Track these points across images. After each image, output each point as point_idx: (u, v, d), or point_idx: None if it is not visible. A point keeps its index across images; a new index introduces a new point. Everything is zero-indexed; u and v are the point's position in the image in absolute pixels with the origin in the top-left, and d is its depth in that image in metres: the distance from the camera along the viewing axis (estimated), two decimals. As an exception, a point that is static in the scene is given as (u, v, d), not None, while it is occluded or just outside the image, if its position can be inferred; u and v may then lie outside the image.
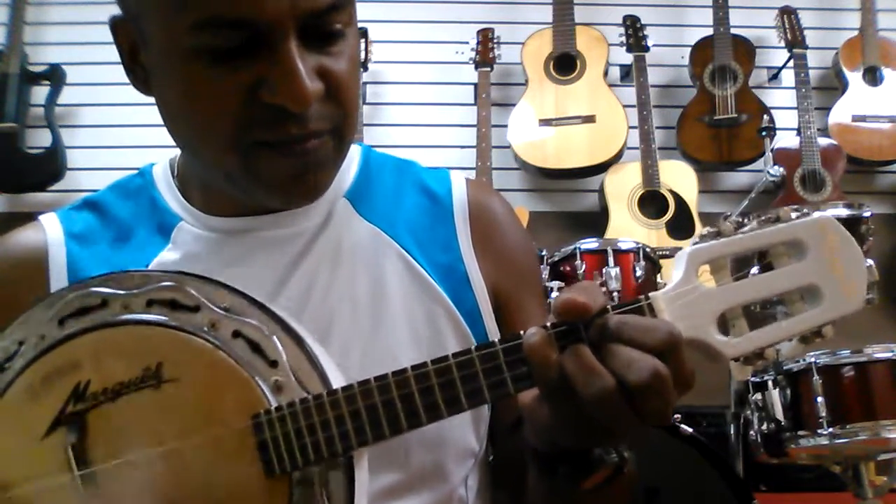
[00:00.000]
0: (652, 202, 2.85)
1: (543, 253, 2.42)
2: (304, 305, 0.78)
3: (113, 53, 0.76)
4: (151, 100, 0.77)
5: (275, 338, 0.63)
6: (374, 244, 0.83)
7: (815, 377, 2.03)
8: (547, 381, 0.58)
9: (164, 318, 0.65)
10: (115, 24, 0.76)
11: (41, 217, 0.86)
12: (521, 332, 0.59)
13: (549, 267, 2.35)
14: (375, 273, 0.82)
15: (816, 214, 0.61)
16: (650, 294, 0.60)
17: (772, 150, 2.64)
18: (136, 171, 0.89)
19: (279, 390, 0.62)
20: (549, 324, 0.59)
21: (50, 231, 0.83)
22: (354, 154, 0.90)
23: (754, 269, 0.62)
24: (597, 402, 0.55)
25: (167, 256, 0.81)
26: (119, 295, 0.66)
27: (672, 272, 0.62)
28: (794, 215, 0.61)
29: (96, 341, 0.65)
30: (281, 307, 0.68)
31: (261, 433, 0.61)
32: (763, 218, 0.62)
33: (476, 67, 3.01)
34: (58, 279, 0.80)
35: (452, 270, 0.84)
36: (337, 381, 0.63)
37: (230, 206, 0.81)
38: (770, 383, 2.13)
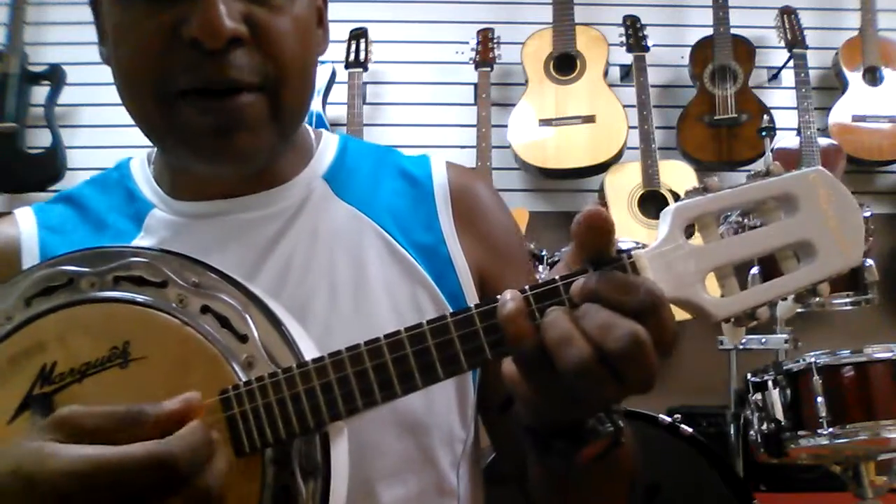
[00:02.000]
0: (652, 202, 2.85)
1: (544, 253, 2.42)
2: (282, 288, 0.77)
3: (113, 53, 0.77)
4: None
5: (245, 313, 0.62)
6: (353, 225, 0.82)
7: (815, 377, 2.03)
8: (523, 350, 0.55)
9: (131, 294, 0.63)
10: (93, 1, 0.78)
11: (16, 211, 0.86)
12: (498, 297, 0.56)
13: (548, 267, 2.35)
14: (355, 254, 0.80)
15: (809, 168, 0.59)
16: (632, 251, 0.57)
17: (772, 150, 2.64)
18: (113, 167, 0.89)
19: (250, 366, 0.60)
20: (527, 286, 0.56)
21: (23, 224, 0.83)
22: (332, 141, 0.89)
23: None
24: (575, 372, 0.53)
25: (140, 244, 0.79)
26: (86, 273, 0.64)
27: (658, 229, 0.59)
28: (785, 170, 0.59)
29: (62, 321, 0.63)
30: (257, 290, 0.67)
31: (229, 409, 0.58)
32: (753, 173, 0.59)
33: (476, 67, 3.01)
34: None
35: (434, 252, 0.83)
36: (311, 356, 0.60)
37: (202, 190, 0.80)
38: (770, 383, 2.13)
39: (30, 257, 0.80)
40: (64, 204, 0.86)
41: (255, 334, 0.61)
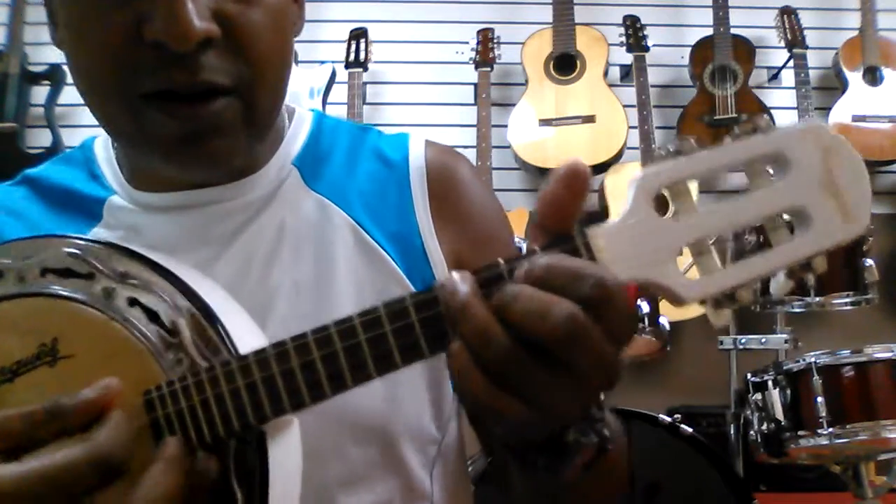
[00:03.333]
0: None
1: (543, 253, 2.41)
2: (242, 285, 0.72)
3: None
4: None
5: (175, 305, 0.57)
6: (322, 218, 0.77)
7: (815, 377, 2.04)
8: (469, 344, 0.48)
9: (57, 288, 0.59)
10: None
11: None
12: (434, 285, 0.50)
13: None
14: (323, 249, 0.76)
15: (804, 122, 0.49)
16: (587, 230, 0.49)
17: (772, 150, 2.63)
18: (78, 146, 0.84)
19: (179, 363, 0.56)
20: (469, 271, 0.50)
21: None
22: (306, 119, 0.84)
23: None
24: (499, 368, 0.46)
25: (98, 233, 0.75)
26: (13, 266, 0.60)
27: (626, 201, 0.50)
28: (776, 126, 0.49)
29: None
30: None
31: (152, 411, 0.55)
32: (738, 131, 0.49)
33: (476, 67, 3.01)
34: None
35: (408, 242, 0.78)
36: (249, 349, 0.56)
37: (162, 181, 0.75)
38: (770, 383, 2.13)
39: None
40: (26, 186, 0.81)
41: (186, 328, 0.57)
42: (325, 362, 0.52)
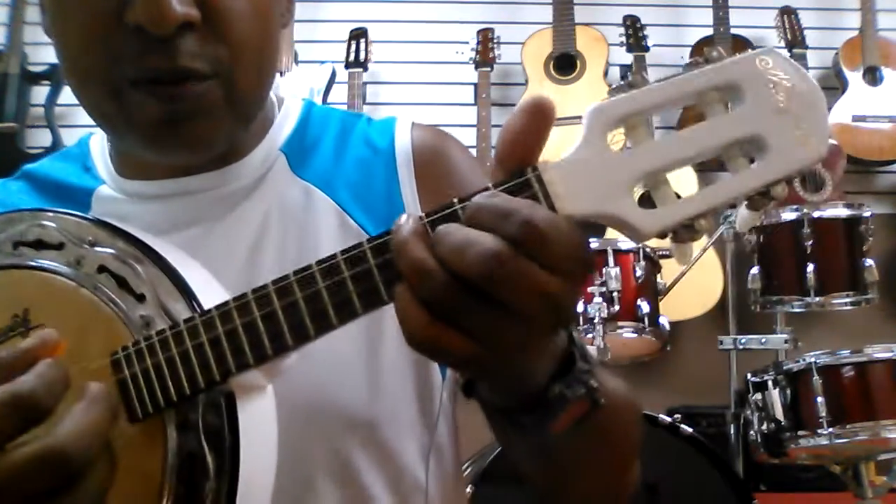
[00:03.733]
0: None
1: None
2: (227, 271, 0.71)
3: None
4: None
5: (142, 270, 0.57)
6: (307, 204, 0.77)
7: (815, 377, 2.04)
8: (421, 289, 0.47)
9: (29, 259, 0.60)
10: None
11: None
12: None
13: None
14: (307, 234, 0.76)
15: (758, 49, 0.48)
16: (539, 163, 0.49)
17: (772, 150, 2.63)
18: (76, 142, 0.85)
19: (147, 326, 0.56)
20: (424, 213, 0.50)
21: None
22: (294, 109, 0.84)
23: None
24: (437, 303, 0.46)
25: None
26: None
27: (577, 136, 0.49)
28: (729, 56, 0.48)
29: None
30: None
31: (119, 371, 0.55)
32: (690, 62, 0.48)
33: (476, 67, 3.01)
34: None
35: None
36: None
37: (149, 169, 0.75)
38: (770, 383, 2.13)
39: None
40: (24, 180, 0.82)
41: (153, 292, 0.57)
42: (286, 312, 0.51)
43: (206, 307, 0.56)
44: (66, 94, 2.97)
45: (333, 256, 0.50)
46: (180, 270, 0.59)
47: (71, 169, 0.82)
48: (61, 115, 3.00)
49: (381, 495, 0.74)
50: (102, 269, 0.58)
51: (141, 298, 0.57)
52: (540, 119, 0.50)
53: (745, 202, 0.49)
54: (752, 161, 0.48)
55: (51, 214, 0.62)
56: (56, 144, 2.91)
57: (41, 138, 2.94)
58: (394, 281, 0.49)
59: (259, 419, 0.57)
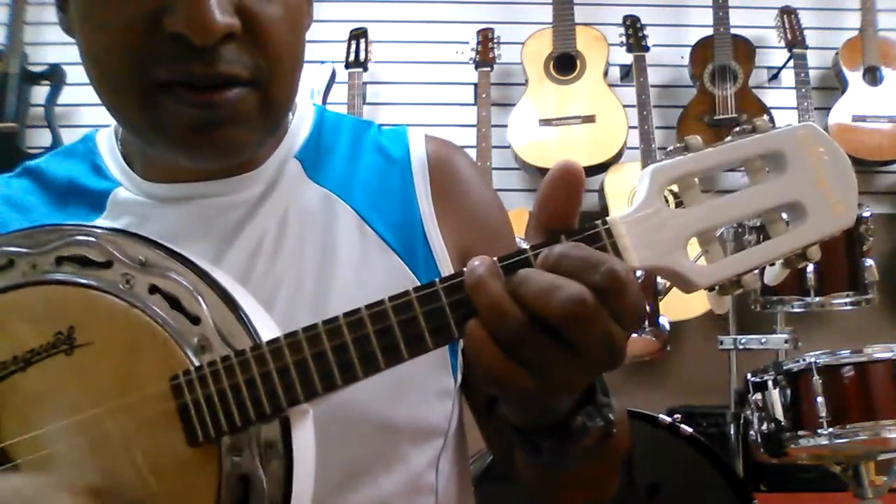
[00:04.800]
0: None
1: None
2: (247, 277, 0.73)
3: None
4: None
5: (196, 292, 0.57)
6: (325, 209, 0.78)
7: (815, 377, 2.03)
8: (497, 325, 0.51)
9: (73, 276, 0.59)
10: None
11: None
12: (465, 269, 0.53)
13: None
14: (326, 239, 0.76)
15: (799, 123, 0.54)
16: (608, 218, 0.53)
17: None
18: (79, 139, 0.84)
19: (203, 349, 0.56)
20: (495, 258, 0.53)
21: None
22: (307, 115, 0.84)
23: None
24: (511, 341, 0.50)
25: (102, 224, 0.73)
26: (26, 253, 0.60)
27: (636, 194, 0.54)
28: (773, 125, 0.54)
29: (3, 306, 0.59)
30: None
31: (180, 396, 0.55)
32: (738, 129, 0.54)
33: (476, 67, 3.01)
34: None
35: (411, 235, 0.78)
36: (270, 338, 0.57)
37: (172, 172, 0.75)
38: (770, 383, 2.13)
39: None
40: (27, 178, 0.81)
41: (208, 315, 0.57)
42: (356, 345, 0.53)
43: (258, 332, 0.57)
44: (66, 94, 2.97)
45: (406, 293, 0.53)
46: (235, 296, 0.58)
47: (79, 168, 0.80)
48: (61, 115, 3.00)
49: (394, 496, 0.75)
50: (154, 289, 0.58)
51: (196, 321, 0.57)
52: (570, 183, 0.54)
53: (782, 261, 0.55)
54: (787, 223, 0.54)
55: (97, 230, 0.61)
56: (56, 144, 2.91)
57: (41, 138, 2.94)
58: (465, 319, 0.52)
59: (304, 443, 0.58)
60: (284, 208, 0.77)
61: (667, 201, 0.54)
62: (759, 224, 0.54)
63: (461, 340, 0.53)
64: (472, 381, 0.82)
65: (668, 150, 0.54)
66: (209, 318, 0.57)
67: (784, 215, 0.54)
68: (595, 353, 0.51)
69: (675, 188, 0.55)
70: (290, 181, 0.79)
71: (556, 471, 0.66)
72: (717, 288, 0.55)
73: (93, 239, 0.60)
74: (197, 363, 0.56)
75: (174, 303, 0.57)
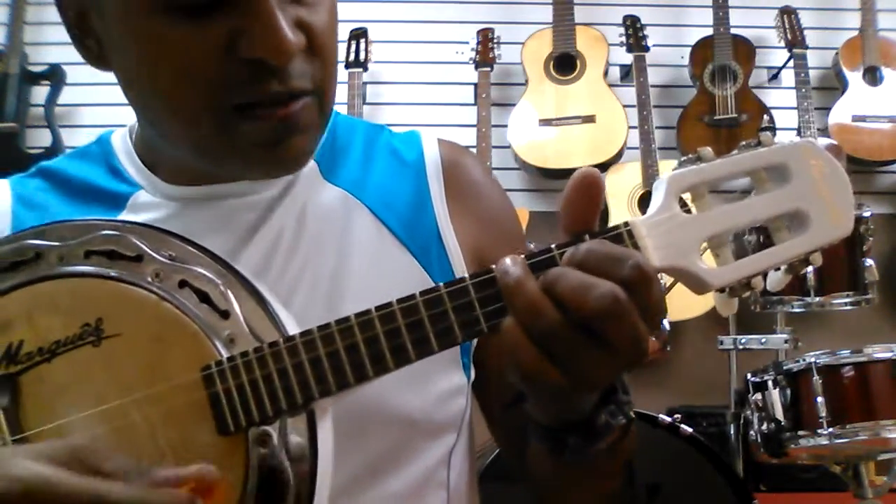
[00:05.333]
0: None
1: (543, 253, 2.41)
2: (264, 273, 0.73)
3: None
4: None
5: (225, 287, 0.58)
6: (342, 208, 0.79)
7: (815, 377, 2.03)
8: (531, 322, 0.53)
9: (103, 269, 0.59)
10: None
11: None
12: (492, 268, 0.55)
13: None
14: (342, 239, 0.77)
15: (800, 139, 0.59)
16: (629, 220, 0.57)
17: (772, 150, 2.63)
18: (93, 140, 0.84)
19: (232, 342, 0.57)
20: (523, 256, 0.56)
21: None
22: None
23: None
24: (547, 339, 0.52)
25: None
26: (54, 247, 0.61)
27: (651, 200, 0.59)
28: (776, 140, 0.59)
29: (30, 297, 0.60)
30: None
31: (212, 386, 0.56)
32: (744, 143, 0.59)
33: (476, 67, 3.01)
34: None
35: (425, 235, 0.80)
36: (295, 332, 0.58)
37: (191, 174, 0.76)
38: (770, 383, 2.13)
39: (2, 232, 0.75)
40: (42, 178, 0.81)
41: (237, 310, 0.58)
42: (387, 337, 0.55)
43: (286, 327, 0.58)
44: (67, 94, 2.98)
45: (437, 289, 0.56)
46: (262, 292, 0.60)
47: (96, 170, 0.81)
48: (61, 115, 3.00)
49: (408, 490, 0.76)
50: (184, 283, 0.59)
51: (225, 315, 0.58)
52: (590, 187, 0.57)
53: (786, 266, 0.59)
54: (789, 230, 0.58)
55: (129, 226, 0.62)
56: (56, 144, 2.91)
57: (41, 138, 2.94)
58: (495, 314, 0.55)
59: (325, 437, 0.59)
60: (301, 208, 0.78)
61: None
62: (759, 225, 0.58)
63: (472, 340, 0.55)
64: (487, 381, 0.83)
65: (682, 160, 0.59)
66: (238, 313, 0.58)
67: (787, 223, 0.58)
68: (624, 349, 0.53)
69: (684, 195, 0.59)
70: (306, 181, 0.80)
71: (574, 468, 0.67)
72: (727, 290, 0.58)
73: (122, 234, 0.61)
74: (226, 355, 0.57)
75: (203, 297, 0.58)
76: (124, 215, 0.77)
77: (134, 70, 0.68)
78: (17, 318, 0.59)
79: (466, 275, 0.57)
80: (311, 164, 0.81)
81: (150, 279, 0.59)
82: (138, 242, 0.60)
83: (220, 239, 0.74)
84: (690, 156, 0.58)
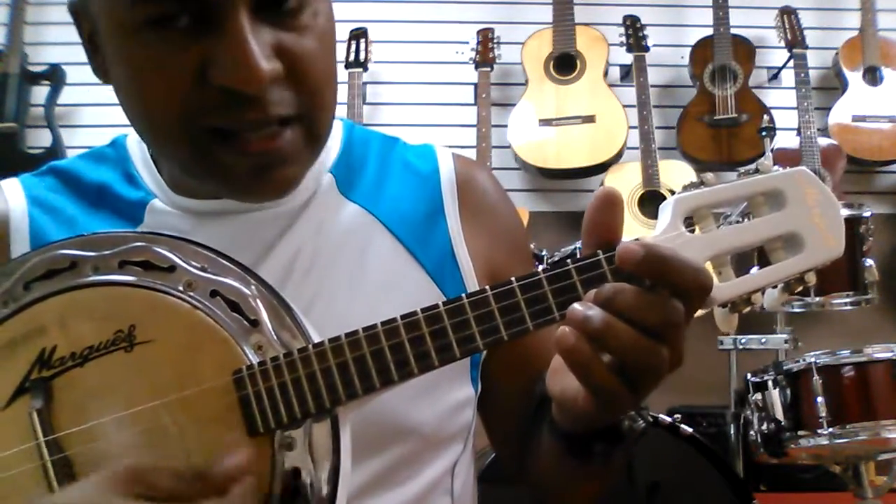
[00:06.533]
0: (652, 202, 2.85)
1: (544, 253, 2.42)
2: (282, 287, 0.70)
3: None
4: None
5: (255, 298, 0.61)
6: (358, 225, 0.79)
7: (815, 377, 2.03)
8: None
9: (137, 278, 0.62)
10: (75, 9, 0.70)
11: (1, 183, 0.80)
12: (512, 279, 0.60)
13: (549, 267, 2.35)
14: (359, 255, 0.78)
15: (794, 168, 0.64)
16: (640, 237, 0.60)
17: (772, 150, 2.64)
18: (108, 143, 0.83)
19: (260, 349, 0.60)
20: (569, 260, 0.61)
21: (12, 198, 0.78)
22: (336, 129, 0.85)
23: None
24: (625, 353, 0.56)
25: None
26: (89, 257, 0.62)
27: (658, 220, 0.63)
28: (773, 168, 0.64)
29: (64, 304, 0.62)
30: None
31: (242, 389, 0.58)
32: (743, 171, 0.64)
33: (476, 67, 3.01)
34: (20, 249, 0.75)
35: (439, 250, 0.81)
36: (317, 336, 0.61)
37: (201, 189, 0.76)
38: (770, 383, 2.13)
39: (18, 234, 0.76)
40: (55, 178, 0.80)
41: (266, 319, 0.60)
42: (412, 343, 0.58)
43: (311, 337, 0.60)
44: (66, 94, 2.97)
45: (483, 291, 0.59)
46: (284, 296, 0.62)
47: (111, 174, 0.80)
48: (61, 115, 3.00)
49: (415, 499, 0.77)
50: (215, 293, 0.61)
51: (255, 324, 0.60)
52: (610, 206, 0.61)
53: (782, 285, 0.64)
54: (785, 251, 0.63)
55: (163, 238, 0.64)
56: (56, 144, 2.91)
57: (41, 138, 2.94)
58: (515, 323, 0.59)
59: (346, 444, 0.60)
60: (319, 223, 0.78)
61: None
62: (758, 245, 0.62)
63: (482, 353, 0.57)
64: (492, 393, 0.84)
65: (686, 184, 0.63)
66: (267, 322, 0.60)
67: (783, 244, 0.63)
68: (679, 353, 0.58)
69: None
70: (324, 196, 0.80)
71: (599, 473, 0.70)
72: (729, 305, 0.64)
73: (154, 245, 0.63)
74: (257, 361, 0.59)
75: (234, 307, 0.61)
76: (144, 225, 0.77)
77: (123, 87, 0.68)
78: (51, 324, 0.61)
79: (477, 287, 0.60)
80: (329, 177, 0.81)
81: (182, 288, 0.61)
82: (170, 254, 0.62)
83: (238, 254, 0.73)
84: (693, 181, 0.63)
